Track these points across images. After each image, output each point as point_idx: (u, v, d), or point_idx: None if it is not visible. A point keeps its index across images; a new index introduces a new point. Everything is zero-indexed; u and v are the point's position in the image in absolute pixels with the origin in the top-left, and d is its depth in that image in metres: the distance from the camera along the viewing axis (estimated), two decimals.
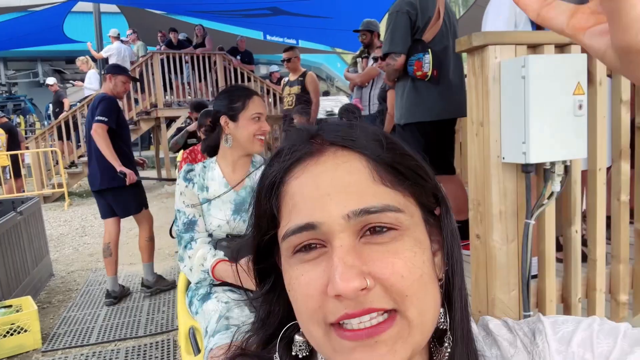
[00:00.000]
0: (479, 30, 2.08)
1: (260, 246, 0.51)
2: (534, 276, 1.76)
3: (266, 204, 0.49)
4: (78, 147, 9.00)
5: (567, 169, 1.61)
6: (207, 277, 1.62)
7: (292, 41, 14.42)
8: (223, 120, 1.75)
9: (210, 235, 1.72)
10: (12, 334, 2.92)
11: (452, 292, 0.48)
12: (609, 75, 1.79)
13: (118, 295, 3.71)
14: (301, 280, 0.44)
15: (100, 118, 3.40)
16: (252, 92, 1.77)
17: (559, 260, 1.77)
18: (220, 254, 1.63)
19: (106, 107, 3.48)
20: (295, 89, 5.22)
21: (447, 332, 0.47)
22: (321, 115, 5.87)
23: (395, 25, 2.74)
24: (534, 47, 1.62)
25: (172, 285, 3.79)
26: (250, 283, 1.60)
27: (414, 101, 2.80)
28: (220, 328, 1.40)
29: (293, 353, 0.51)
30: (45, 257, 4.37)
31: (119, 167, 3.43)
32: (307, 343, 0.51)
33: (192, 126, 4.53)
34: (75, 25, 12.39)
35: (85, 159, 8.95)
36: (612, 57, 0.35)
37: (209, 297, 1.58)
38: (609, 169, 1.85)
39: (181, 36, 10.30)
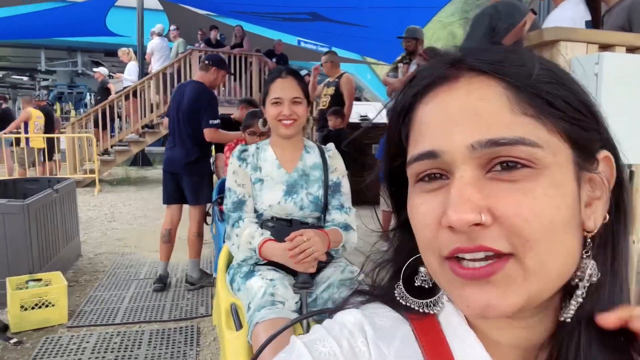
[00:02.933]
0: None
1: (392, 173, 0.50)
2: None
3: (395, 130, 0.47)
4: (112, 136, 9.18)
5: (631, 175, 1.54)
6: (253, 256, 1.60)
7: (325, 48, 14.52)
8: (262, 106, 1.79)
9: (258, 216, 1.71)
10: (40, 307, 2.95)
11: (606, 247, 0.44)
12: None
13: (167, 282, 3.71)
14: (420, 209, 0.43)
15: (214, 122, 3.52)
16: (278, 75, 1.75)
17: None
18: (267, 233, 1.62)
19: (215, 107, 3.59)
20: (331, 89, 5.22)
21: (586, 286, 0.42)
22: (354, 119, 5.84)
23: (476, 24, 2.89)
24: (605, 47, 1.58)
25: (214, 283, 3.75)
26: (294, 264, 1.57)
27: None
28: (266, 303, 1.39)
29: (416, 284, 0.49)
30: (76, 237, 4.44)
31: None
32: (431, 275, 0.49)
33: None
34: (117, 19, 12.73)
35: (119, 147, 9.14)
36: None
37: (252, 275, 1.57)
38: None
39: (219, 36, 10.45)
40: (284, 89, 1.70)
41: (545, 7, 4.84)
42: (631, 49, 1.63)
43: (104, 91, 10.01)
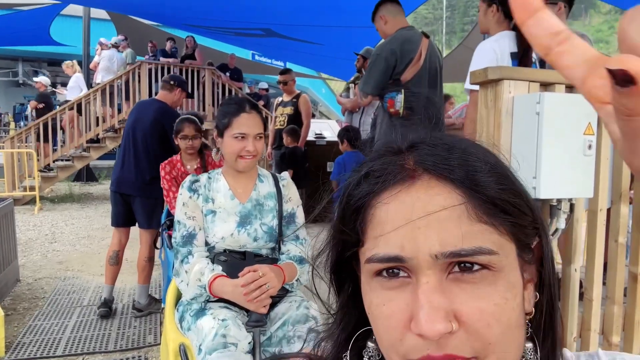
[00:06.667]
0: (463, 70, 2.15)
1: (340, 260, 0.50)
2: None
3: (351, 224, 0.47)
4: (54, 150, 8.74)
5: (572, 207, 1.62)
6: (203, 293, 1.55)
7: (280, 63, 14.53)
8: (215, 133, 1.73)
9: (209, 249, 1.66)
10: None
11: (544, 325, 0.47)
12: None
13: (112, 306, 3.53)
14: (383, 310, 0.43)
15: None
16: (242, 108, 1.68)
17: None
18: (219, 269, 1.57)
19: None
20: (288, 109, 5.26)
21: None
22: (310, 137, 5.88)
23: (373, 67, 2.88)
24: (546, 86, 1.66)
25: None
26: (247, 302, 1.52)
27: (387, 134, 2.92)
28: (218, 346, 1.34)
29: (365, 358, 0.51)
30: (13, 261, 4.17)
31: None
32: (379, 351, 0.50)
33: None
34: (62, 28, 12.23)
35: (61, 162, 8.71)
36: (624, 150, 0.30)
37: (204, 314, 1.51)
38: (607, 210, 1.88)
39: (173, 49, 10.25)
40: (249, 125, 1.65)
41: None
42: (570, 87, 1.72)
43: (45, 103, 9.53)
